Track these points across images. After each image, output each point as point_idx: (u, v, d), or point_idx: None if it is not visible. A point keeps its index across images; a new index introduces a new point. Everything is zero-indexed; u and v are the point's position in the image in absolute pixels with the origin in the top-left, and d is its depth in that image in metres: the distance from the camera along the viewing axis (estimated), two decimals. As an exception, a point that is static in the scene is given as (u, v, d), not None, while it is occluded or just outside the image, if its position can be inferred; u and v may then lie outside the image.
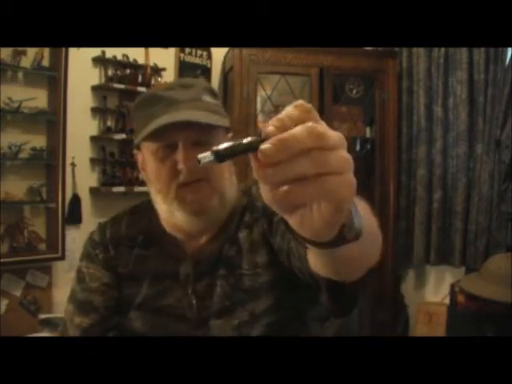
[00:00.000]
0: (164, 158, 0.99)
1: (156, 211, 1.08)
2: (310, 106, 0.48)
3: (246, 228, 1.06)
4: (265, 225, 1.03)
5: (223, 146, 0.47)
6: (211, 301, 1.03)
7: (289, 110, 0.47)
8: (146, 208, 1.11)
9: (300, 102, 0.48)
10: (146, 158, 1.03)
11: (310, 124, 0.46)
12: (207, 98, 1.01)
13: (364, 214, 0.58)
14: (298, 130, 0.45)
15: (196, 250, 1.07)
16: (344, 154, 0.47)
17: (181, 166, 0.97)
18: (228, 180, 1.04)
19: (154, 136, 0.97)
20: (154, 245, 1.09)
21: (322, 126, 0.46)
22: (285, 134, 0.45)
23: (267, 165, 0.45)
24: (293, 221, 0.50)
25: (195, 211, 1.00)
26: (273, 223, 1.00)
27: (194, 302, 1.04)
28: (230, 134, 1.08)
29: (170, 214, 1.02)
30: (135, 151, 1.08)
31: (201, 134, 0.98)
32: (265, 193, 0.48)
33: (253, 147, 0.47)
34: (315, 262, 0.69)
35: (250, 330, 1.00)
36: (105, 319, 1.06)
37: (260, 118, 3.13)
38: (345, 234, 0.54)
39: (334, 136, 0.47)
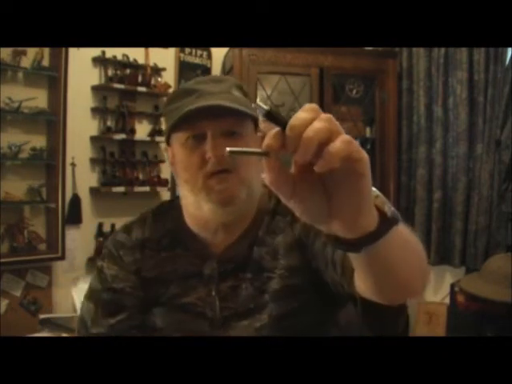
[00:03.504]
0: (193, 148, 1.00)
1: (181, 210, 1.08)
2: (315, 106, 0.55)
3: (277, 231, 1.06)
4: (301, 228, 1.03)
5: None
6: (234, 302, 1.03)
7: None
8: (170, 207, 1.12)
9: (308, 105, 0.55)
10: (176, 150, 1.04)
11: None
12: (236, 93, 1.03)
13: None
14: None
15: (222, 250, 1.06)
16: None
17: (209, 154, 0.98)
18: (255, 174, 1.04)
19: (184, 125, 1.00)
20: (180, 245, 1.08)
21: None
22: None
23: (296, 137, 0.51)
24: (309, 204, 0.55)
25: (222, 201, 0.99)
26: (312, 227, 1.01)
27: (217, 302, 1.03)
28: (260, 134, 1.08)
29: (197, 206, 1.02)
30: (165, 146, 1.10)
31: (229, 125, 1.00)
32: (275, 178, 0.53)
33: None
34: (359, 279, 0.73)
35: (271, 332, 1.00)
36: (131, 317, 1.06)
37: (260, 118, 3.13)
38: (385, 218, 0.60)
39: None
